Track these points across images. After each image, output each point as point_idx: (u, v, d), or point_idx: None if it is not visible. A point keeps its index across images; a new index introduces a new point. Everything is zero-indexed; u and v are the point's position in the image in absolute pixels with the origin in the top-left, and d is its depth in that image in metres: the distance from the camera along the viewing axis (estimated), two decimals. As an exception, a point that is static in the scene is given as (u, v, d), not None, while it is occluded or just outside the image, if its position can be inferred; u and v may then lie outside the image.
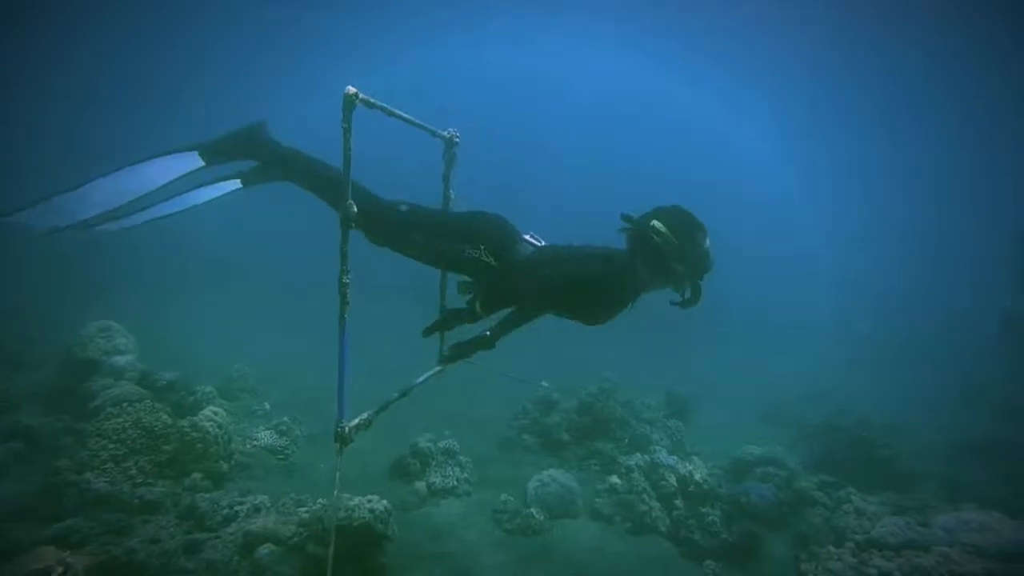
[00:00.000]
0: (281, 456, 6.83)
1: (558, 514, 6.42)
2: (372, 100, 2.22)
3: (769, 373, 14.05)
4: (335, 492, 2.29)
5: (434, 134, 3.08)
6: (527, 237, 2.96)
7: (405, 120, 2.61)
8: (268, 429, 7.18)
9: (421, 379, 3.08)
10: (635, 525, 6.34)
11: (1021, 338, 11.23)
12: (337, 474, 2.23)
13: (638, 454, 6.95)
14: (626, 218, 2.69)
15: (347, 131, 2.17)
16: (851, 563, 4.66)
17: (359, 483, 6.44)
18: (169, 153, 2.96)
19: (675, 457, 6.68)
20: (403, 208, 2.99)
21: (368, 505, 4.95)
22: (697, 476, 6.37)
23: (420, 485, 6.58)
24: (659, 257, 2.60)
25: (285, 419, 7.39)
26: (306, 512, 5.18)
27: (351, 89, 2.11)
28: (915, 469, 7.96)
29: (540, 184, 32.65)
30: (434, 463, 6.85)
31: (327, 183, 2.89)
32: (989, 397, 10.71)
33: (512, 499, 6.41)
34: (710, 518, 6.07)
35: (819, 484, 6.85)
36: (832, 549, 4.99)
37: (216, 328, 11.93)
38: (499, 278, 2.87)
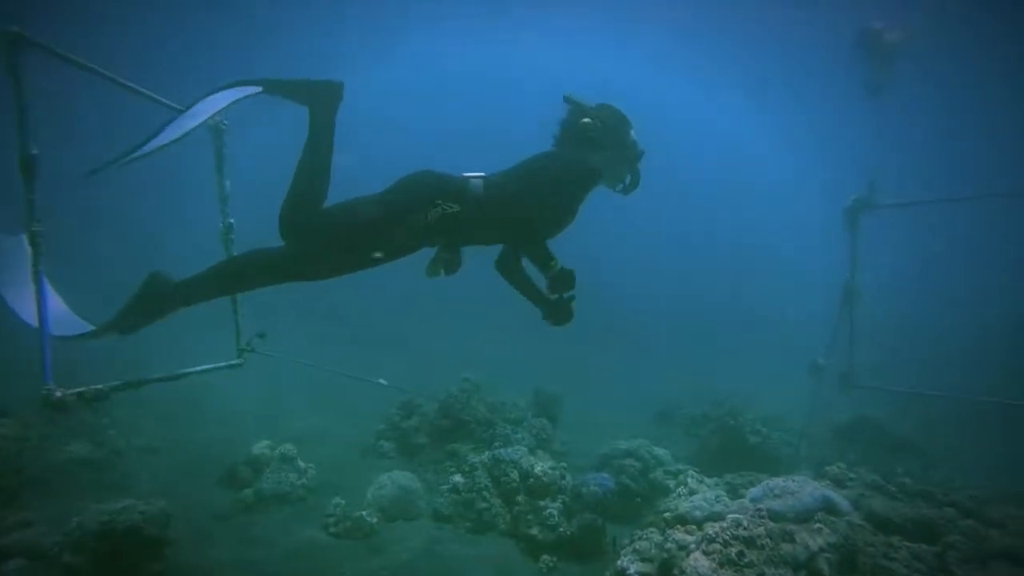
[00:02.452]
0: (94, 468, 6.26)
1: (395, 516, 6.10)
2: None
3: (697, 374, 14.04)
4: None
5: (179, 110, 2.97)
6: (467, 175, 2.98)
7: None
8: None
9: (201, 368, 3.04)
10: (475, 524, 6.08)
11: None
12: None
13: (486, 452, 6.70)
14: (568, 99, 3.16)
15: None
16: (656, 540, 4.52)
17: (185, 493, 6.02)
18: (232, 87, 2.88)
19: (519, 451, 6.46)
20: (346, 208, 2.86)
21: (139, 507, 4.50)
22: (537, 469, 6.16)
23: (247, 492, 6.14)
24: (599, 144, 3.11)
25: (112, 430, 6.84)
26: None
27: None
28: (784, 453, 8.03)
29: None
30: (268, 470, 6.42)
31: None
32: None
33: (344, 503, 6.04)
34: (547, 511, 5.85)
35: (674, 472, 6.77)
36: (650, 530, 4.85)
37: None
38: (469, 221, 2.87)
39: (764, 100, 23.87)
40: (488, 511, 6.08)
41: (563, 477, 6.28)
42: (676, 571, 3.91)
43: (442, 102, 28.56)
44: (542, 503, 5.99)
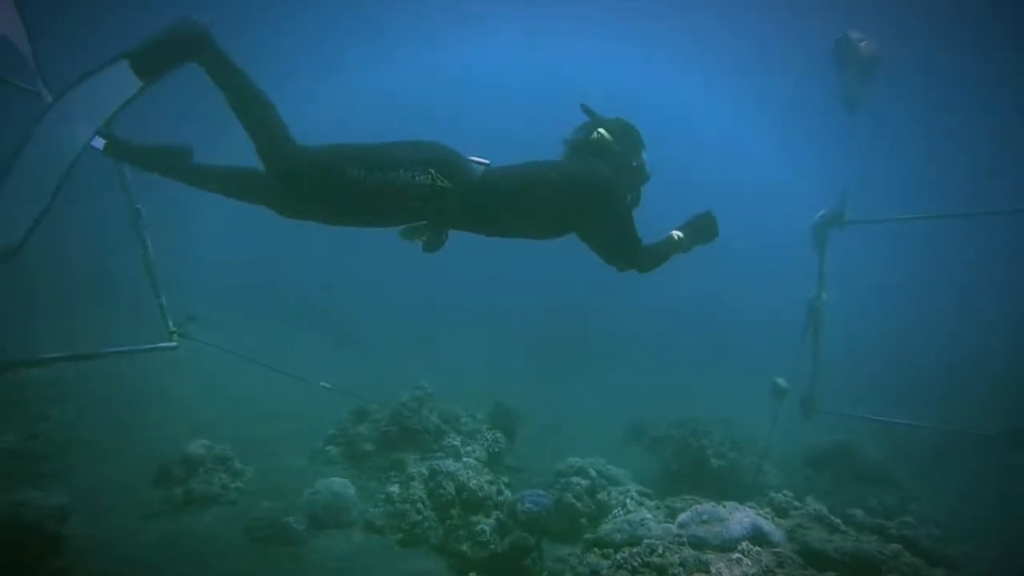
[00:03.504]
0: (23, 460, 6.09)
1: (325, 524, 5.84)
2: None
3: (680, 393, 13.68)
4: None
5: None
6: (472, 158, 2.91)
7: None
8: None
9: (128, 349, 2.90)
10: (407, 536, 5.81)
11: None
12: None
13: (426, 463, 6.44)
14: (585, 109, 3.08)
15: None
16: (572, 563, 4.25)
17: (114, 488, 5.85)
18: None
19: (457, 464, 6.20)
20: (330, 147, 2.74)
21: (39, 501, 4.32)
22: (472, 483, 5.89)
23: (177, 492, 5.93)
24: (609, 160, 3.00)
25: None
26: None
27: None
28: (752, 479, 7.68)
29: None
30: (201, 470, 6.21)
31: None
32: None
33: (274, 507, 5.82)
34: (479, 527, 5.58)
35: (622, 492, 6.47)
36: (572, 552, 4.58)
37: None
38: (455, 203, 2.77)
39: (760, 108, 23.33)
40: (420, 524, 5.82)
41: (500, 492, 6.01)
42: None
43: (428, 108, 28.53)
44: (475, 518, 5.72)
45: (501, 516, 5.78)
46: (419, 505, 5.93)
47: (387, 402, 7.82)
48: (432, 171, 2.69)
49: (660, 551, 3.85)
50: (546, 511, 5.70)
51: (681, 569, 3.65)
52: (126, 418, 7.49)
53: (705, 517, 4.28)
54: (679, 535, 4.05)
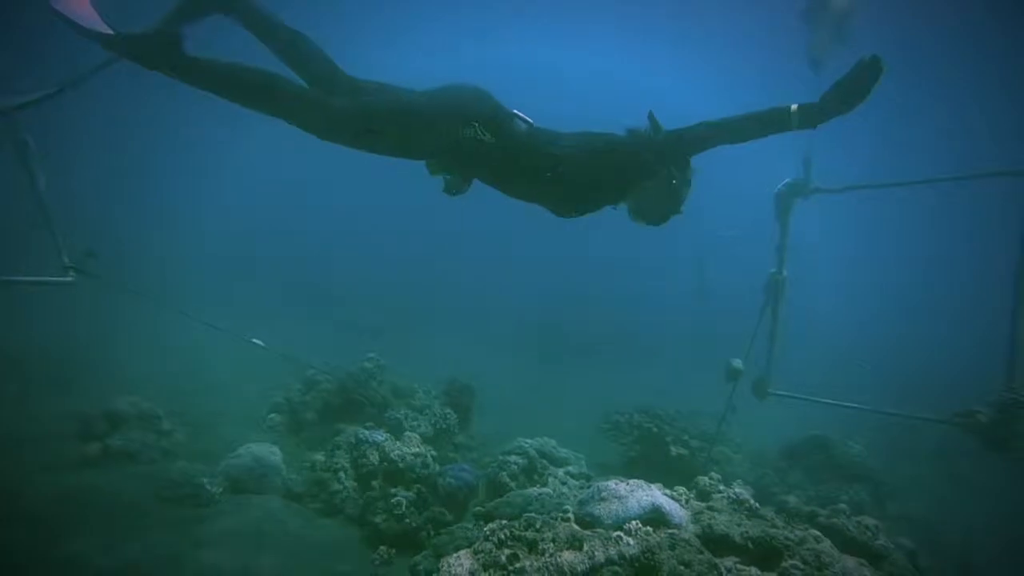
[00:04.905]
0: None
1: (243, 489, 5.64)
2: None
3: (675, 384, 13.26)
4: None
5: None
6: (516, 112, 2.90)
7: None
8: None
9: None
10: (325, 505, 5.59)
11: None
12: None
13: (351, 432, 6.18)
14: (652, 119, 2.87)
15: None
16: (456, 535, 3.94)
17: (33, 441, 5.75)
18: None
19: (383, 434, 5.92)
20: (371, 88, 2.87)
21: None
22: (394, 454, 5.61)
23: (95, 446, 5.79)
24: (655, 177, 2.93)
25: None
26: None
27: None
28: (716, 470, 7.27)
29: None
30: (125, 427, 6.07)
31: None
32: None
33: (191, 468, 5.64)
34: (396, 499, 5.29)
35: (573, 474, 6.13)
36: (464, 525, 4.27)
37: None
38: (495, 156, 2.80)
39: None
40: (340, 493, 5.58)
41: (425, 466, 5.71)
42: (443, 567, 3.32)
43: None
44: (394, 490, 5.44)
45: (423, 490, 5.50)
46: (341, 475, 5.69)
47: (337, 372, 7.60)
48: (476, 125, 2.74)
49: (537, 525, 3.51)
50: (467, 487, 5.41)
51: (552, 544, 3.30)
52: (72, 378, 7.42)
53: (604, 495, 3.91)
54: (566, 512, 3.70)
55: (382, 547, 5.02)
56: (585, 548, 3.26)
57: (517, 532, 3.43)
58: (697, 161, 3.02)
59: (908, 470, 8.56)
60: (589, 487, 4.20)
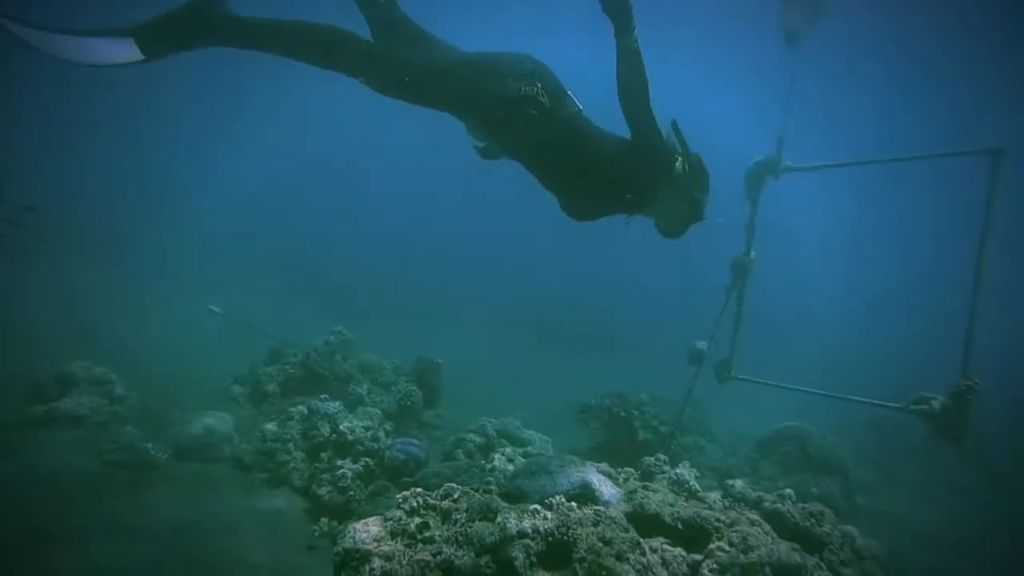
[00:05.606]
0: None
1: (190, 457, 5.55)
2: None
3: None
4: None
5: None
6: (570, 93, 2.94)
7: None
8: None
9: None
10: (272, 476, 5.48)
11: None
12: None
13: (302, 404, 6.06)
14: (675, 128, 2.90)
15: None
16: (384, 503, 3.81)
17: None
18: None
19: (336, 406, 5.80)
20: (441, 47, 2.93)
21: None
22: (343, 426, 5.48)
23: (39, 408, 5.70)
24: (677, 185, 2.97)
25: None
26: None
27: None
28: (684, 457, 7.10)
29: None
30: (76, 390, 5.98)
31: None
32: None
33: (137, 433, 5.54)
34: (342, 471, 5.18)
35: (523, 453, 5.98)
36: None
37: None
38: (541, 126, 2.81)
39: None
40: (287, 464, 5.46)
41: (376, 439, 5.58)
42: (348, 532, 3.18)
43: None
44: (341, 463, 5.32)
45: (370, 463, 5.38)
46: (290, 445, 5.58)
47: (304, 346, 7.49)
48: (539, 85, 2.76)
49: (455, 496, 3.37)
50: (414, 460, 5.27)
51: (464, 515, 3.16)
52: (33, 341, 7.35)
53: (534, 469, 3.77)
54: (488, 483, 3.56)
55: (323, 519, 4.90)
56: (498, 519, 3.12)
57: (431, 501, 3.30)
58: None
59: (888, 467, 8.35)
60: (525, 463, 4.06)
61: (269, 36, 2.51)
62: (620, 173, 2.90)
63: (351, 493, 5.06)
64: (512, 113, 2.78)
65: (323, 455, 5.50)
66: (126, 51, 2.38)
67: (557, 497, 3.41)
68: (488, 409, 8.62)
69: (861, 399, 4.57)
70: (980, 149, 4.21)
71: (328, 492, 5.12)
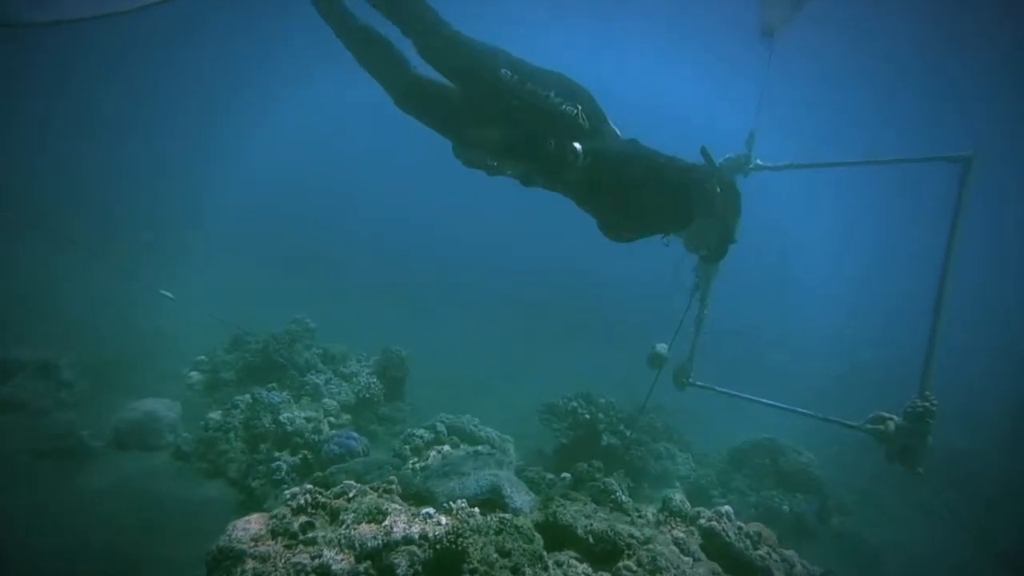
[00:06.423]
0: None
1: (129, 444, 5.42)
2: None
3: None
4: None
5: None
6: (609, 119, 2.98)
7: None
8: None
9: None
10: (210, 466, 5.33)
11: None
12: None
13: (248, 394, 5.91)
14: (705, 154, 3.01)
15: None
16: (287, 496, 3.63)
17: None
18: None
19: (280, 395, 5.64)
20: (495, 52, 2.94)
21: None
22: (283, 416, 5.32)
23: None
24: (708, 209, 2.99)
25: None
26: None
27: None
28: (654, 464, 6.89)
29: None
30: (21, 375, 5.88)
31: None
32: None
33: (77, 421, 5.42)
34: (276, 464, 5.01)
35: (473, 454, 5.78)
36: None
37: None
38: (583, 145, 2.80)
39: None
40: (226, 455, 5.32)
41: (317, 431, 5.41)
42: (228, 528, 3.01)
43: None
44: (277, 455, 5.15)
45: (308, 456, 5.21)
46: (231, 435, 5.43)
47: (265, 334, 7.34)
48: (580, 107, 2.79)
49: (351, 494, 3.18)
50: (351, 454, 5.10)
51: (353, 515, 2.96)
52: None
53: (447, 469, 3.57)
54: (390, 482, 3.35)
55: (255, 512, 4.73)
56: (385, 522, 2.92)
57: (322, 499, 3.11)
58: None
59: (869, 487, 7.97)
60: (440, 462, 3.86)
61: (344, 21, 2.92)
62: (661, 203, 2.92)
63: (284, 486, 4.89)
64: (549, 135, 2.81)
65: (262, 446, 5.34)
66: None
67: (459, 501, 3.21)
68: (457, 405, 8.44)
69: (814, 414, 4.28)
70: (951, 155, 3.91)
71: (260, 485, 4.97)
